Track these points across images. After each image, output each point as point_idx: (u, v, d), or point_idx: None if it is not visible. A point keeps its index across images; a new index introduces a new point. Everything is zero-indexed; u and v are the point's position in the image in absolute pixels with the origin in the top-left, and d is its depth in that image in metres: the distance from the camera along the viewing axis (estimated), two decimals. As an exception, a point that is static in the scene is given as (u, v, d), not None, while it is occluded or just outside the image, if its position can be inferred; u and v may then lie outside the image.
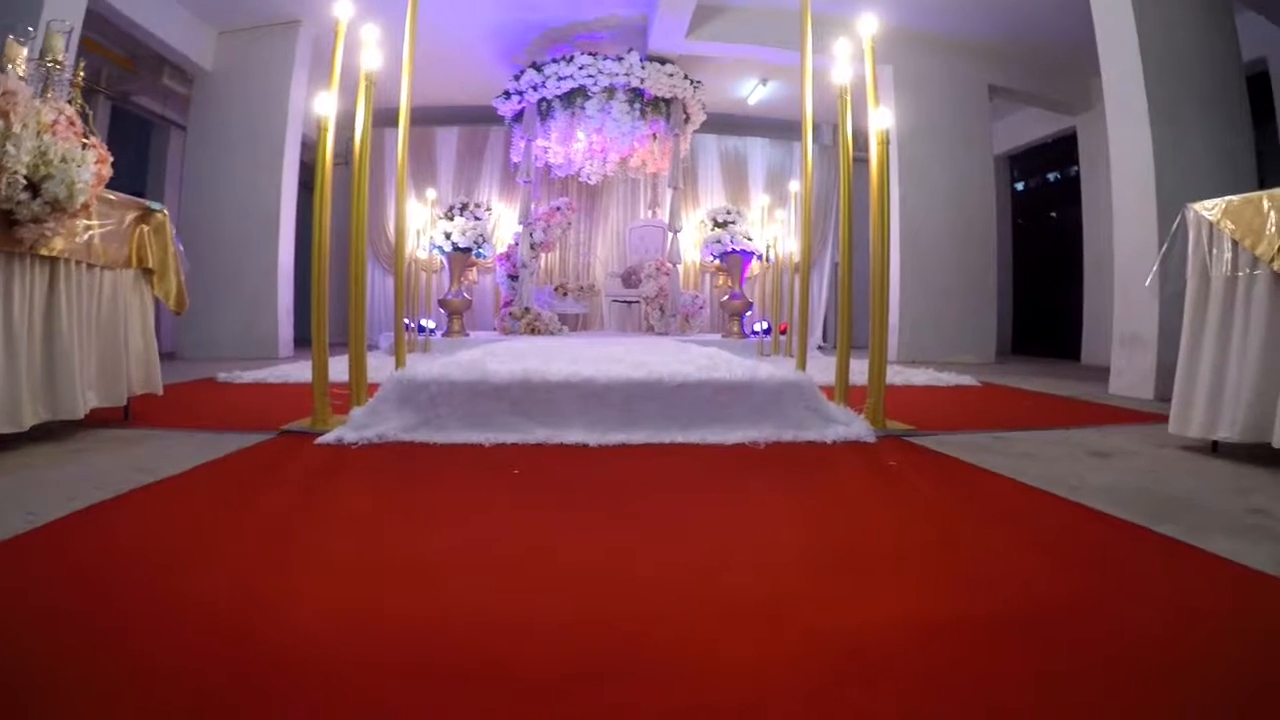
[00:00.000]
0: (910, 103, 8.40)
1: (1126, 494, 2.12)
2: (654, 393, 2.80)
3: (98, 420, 3.04)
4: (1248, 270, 2.58)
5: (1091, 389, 5.26)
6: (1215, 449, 2.77)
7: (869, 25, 3.22)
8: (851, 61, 3.30)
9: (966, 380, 5.44)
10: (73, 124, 2.67)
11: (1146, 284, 3.18)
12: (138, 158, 9.80)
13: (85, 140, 2.69)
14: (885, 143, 3.05)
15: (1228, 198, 2.69)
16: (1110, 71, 5.28)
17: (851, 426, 2.83)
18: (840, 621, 1.22)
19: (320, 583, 1.37)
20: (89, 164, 2.64)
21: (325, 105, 2.96)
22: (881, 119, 3.07)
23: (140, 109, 9.24)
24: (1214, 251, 2.72)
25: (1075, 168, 9.48)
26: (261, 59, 8.23)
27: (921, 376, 5.41)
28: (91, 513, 1.78)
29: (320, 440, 2.65)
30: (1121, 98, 5.16)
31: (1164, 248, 2.98)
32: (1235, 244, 2.63)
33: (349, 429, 2.70)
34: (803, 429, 2.80)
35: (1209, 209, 2.75)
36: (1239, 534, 1.73)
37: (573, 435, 2.64)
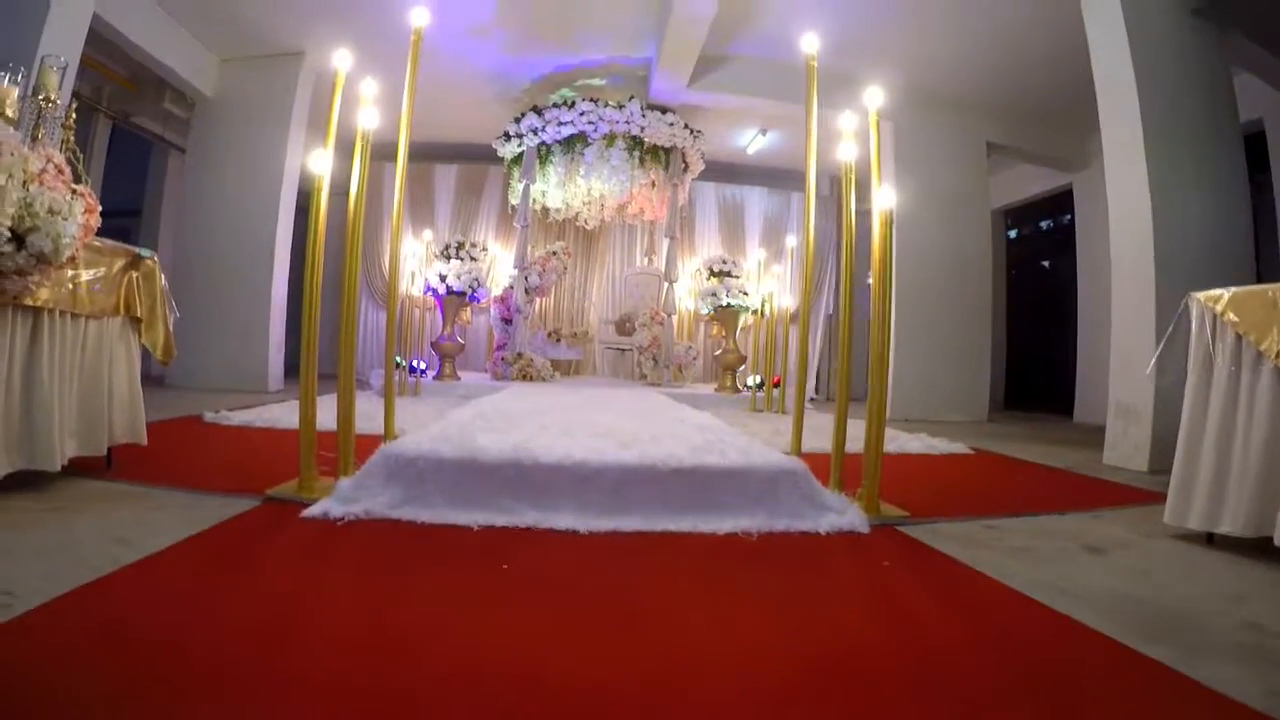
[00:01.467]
0: (909, 159, 8.49)
1: (1119, 602, 2.07)
2: (647, 477, 2.73)
3: (79, 468, 2.98)
4: (1252, 363, 2.55)
5: (1085, 458, 5.23)
6: (1210, 540, 2.71)
7: (874, 98, 3.16)
8: (856, 137, 3.25)
9: (959, 447, 5.39)
10: (61, 172, 2.61)
11: (1147, 373, 3.14)
12: (136, 178, 9.83)
13: (74, 189, 2.64)
14: (889, 223, 3.01)
15: (1232, 289, 2.67)
16: (1110, 133, 5.33)
17: (845, 515, 2.77)
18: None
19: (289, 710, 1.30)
20: (76, 215, 2.57)
21: (320, 163, 2.87)
22: (885, 199, 3.02)
23: (140, 129, 9.27)
24: (1217, 343, 2.69)
25: (1068, 216, 9.55)
26: (263, 89, 8.24)
27: (915, 444, 5.35)
28: (67, 601, 1.69)
29: (305, 514, 2.58)
30: (1121, 160, 5.20)
31: (1165, 337, 2.94)
32: (1239, 337, 2.59)
33: (335, 502, 2.62)
34: (796, 518, 2.73)
35: (1213, 299, 2.72)
36: (1231, 657, 1.67)
37: (563, 520, 2.56)
